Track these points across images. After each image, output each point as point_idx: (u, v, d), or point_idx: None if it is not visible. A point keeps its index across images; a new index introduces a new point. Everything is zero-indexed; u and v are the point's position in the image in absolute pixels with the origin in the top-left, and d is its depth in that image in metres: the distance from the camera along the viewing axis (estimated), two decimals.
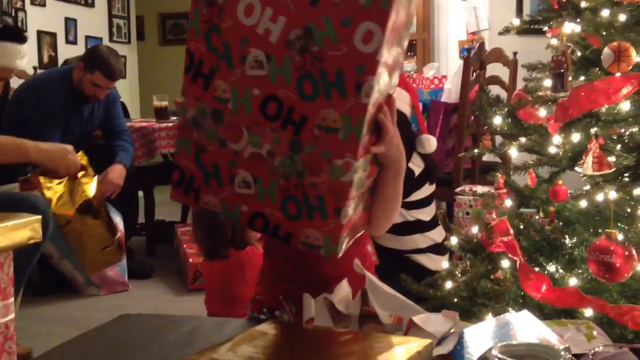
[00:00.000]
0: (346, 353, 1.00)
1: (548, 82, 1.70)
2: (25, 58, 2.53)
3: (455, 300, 1.79)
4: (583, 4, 1.66)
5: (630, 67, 1.48)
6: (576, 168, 1.60)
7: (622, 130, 1.59)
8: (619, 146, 1.57)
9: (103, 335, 1.48)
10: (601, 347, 0.92)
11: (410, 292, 1.79)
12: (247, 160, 1.13)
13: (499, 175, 1.82)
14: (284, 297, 1.32)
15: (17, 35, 2.54)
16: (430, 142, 2.44)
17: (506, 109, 1.80)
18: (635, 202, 1.53)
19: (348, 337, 1.06)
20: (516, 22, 1.76)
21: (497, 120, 1.82)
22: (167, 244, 3.86)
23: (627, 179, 1.57)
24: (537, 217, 1.76)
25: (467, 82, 3.20)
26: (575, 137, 1.60)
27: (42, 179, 2.59)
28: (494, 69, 3.67)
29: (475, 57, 3.31)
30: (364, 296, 1.24)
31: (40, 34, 4.98)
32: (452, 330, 1.08)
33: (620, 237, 1.40)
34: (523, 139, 1.78)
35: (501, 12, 4.57)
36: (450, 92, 3.47)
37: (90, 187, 2.75)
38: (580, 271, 1.55)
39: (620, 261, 1.35)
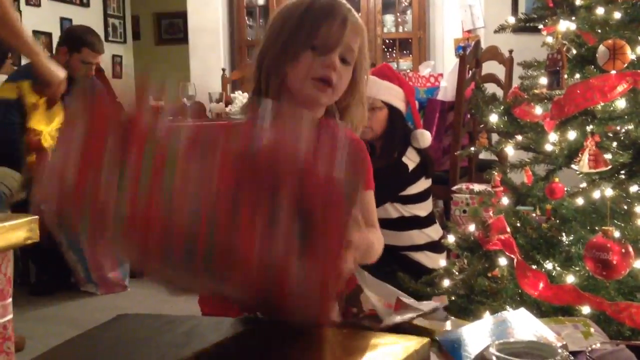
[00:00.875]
0: (344, 350, 1.00)
1: (544, 80, 1.70)
2: None
3: (453, 298, 1.80)
4: (578, 2, 1.66)
5: (626, 64, 1.48)
6: (572, 165, 1.60)
7: (618, 128, 1.59)
8: (615, 143, 1.58)
9: (100, 335, 1.47)
10: (598, 344, 0.92)
11: (408, 290, 1.79)
12: None
13: (496, 173, 1.82)
14: None
15: None
16: (424, 137, 2.45)
17: (502, 107, 1.80)
18: (632, 200, 1.53)
19: (346, 335, 1.06)
20: (512, 20, 1.76)
21: (494, 118, 1.83)
22: None
23: (623, 176, 1.57)
24: (533, 214, 1.76)
25: (463, 80, 3.21)
26: (571, 134, 1.60)
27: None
28: (490, 67, 3.68)
29: (471, 55, 3.32)
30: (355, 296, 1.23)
31: (35, 33, 4.96)
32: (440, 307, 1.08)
33: (616, 234, 1.41)
34: (519, 137, 1.78)
35: (497, 10, 4.58)
36: (447, 90, 3.47)
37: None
38: (577, 269, 1.55)
39: (617, 258, 1.36)
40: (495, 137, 3.24)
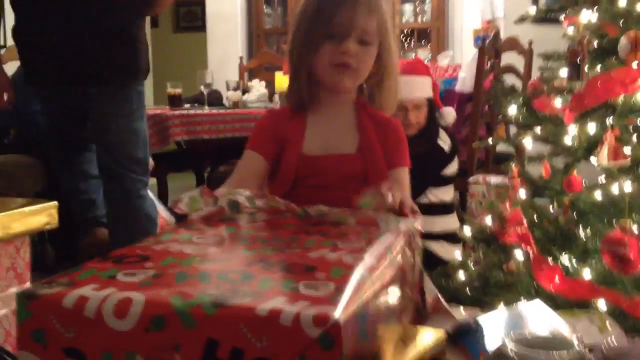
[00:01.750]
0: None
1: (564, 72, 1.69)
2: None
3: (468, 290, 1.79)
4: None
5: None
6: (591, 159, 1.59)
7: (638, 121, 1.58)
8: (635, 137, 1.56)
9: None
10: (614, 338, 0.92)
11: None
12: None
13: (514, 166, 1.81)
14: None
15: None
16: (449, 114, 2.64)
17: (521, 99, 1.79)
18: None
19: None
20: (532, 10, 1.74)
21: (512, 110, 1.81)
22: None
23: None
24: (550, 208, 1.75)
25: (481, 71, 3.18)
26: (591, 127, 1.58)
27: None
28: (509, 58, 3.65)
29: (490, 45, 3.29)
30: None
31: None
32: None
33: (634, 228, 1.39)
34: (538, 129, 1.76)
35: (517, 0, 4.54)
36: (465, 81, 3.45)
37: None
38: (594, 262, 1.54)
39: (634, 253, 1.35)
40: (513, 129, 3.22)
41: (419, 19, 5.57)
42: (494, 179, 2.67)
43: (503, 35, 3.77)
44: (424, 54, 5.53)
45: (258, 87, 4.10)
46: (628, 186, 1.50)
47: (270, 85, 4.25)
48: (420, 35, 5.58)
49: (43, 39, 2.32)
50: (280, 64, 4.40)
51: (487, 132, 3.32)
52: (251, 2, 5.80)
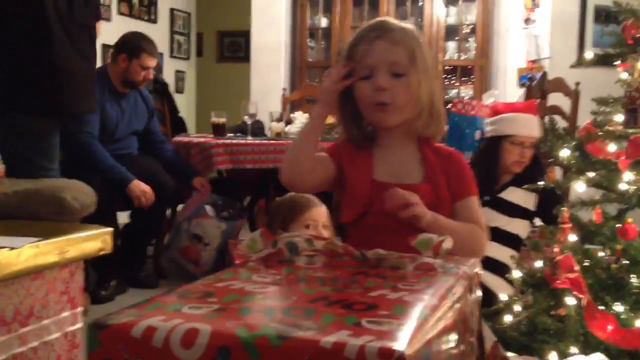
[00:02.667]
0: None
1: (619, 117, 1.67)
2: None
3: (512, 334, 1.76)
4: None
5: None
6: None
7: None
8: None
9: None
10: None
11: None
12: None
13: (564, 209, 1.78)
14: None
15: None
16: None
17: (574, 142, 1.77)
18: None
19: None
20: (589, 55, 1.73)
21: (564, 152, 1.79)
22: None
23: None
24: (602, 254, 1.72)
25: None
26: None
27: None
28: (554, 99, 3.63)
29: (538, 86, 3.28)
30: None
31: (105, 46, 5.12)
32: None
33: None
34: (591, 174, 1.74)
35: (563, 41, 4.53)
36: None
37: None
38: None
39: None
40: (559, 171, 3.18)
41: (463, 56, 5.58)
42: (539, 221, 2.64)
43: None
44: (465, 91, 5.53)
45: (301, 119, 4.14)
46: None
47: None
48: (464, 72, 5.58)
49: None
50: None
51: None
52: (295, 34, 5.88)
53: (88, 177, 2.08)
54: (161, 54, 5.82)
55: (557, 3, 4.86)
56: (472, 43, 5.54)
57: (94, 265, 3.16)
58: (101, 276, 3.27)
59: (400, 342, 0.66)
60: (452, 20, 5.55)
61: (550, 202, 2.36)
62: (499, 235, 2.48)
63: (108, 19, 5.23)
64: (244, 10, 5.99)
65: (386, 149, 1.44)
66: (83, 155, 3.24)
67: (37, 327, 1.35)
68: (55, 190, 1.71)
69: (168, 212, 3.81)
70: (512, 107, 2.75)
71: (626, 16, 1.66)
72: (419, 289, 0.89)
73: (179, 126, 4.32)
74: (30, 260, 1.29)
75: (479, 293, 1.06)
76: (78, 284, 1.43)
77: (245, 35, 6.19)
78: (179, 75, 6.48)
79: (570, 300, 1.62)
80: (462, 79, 5.58)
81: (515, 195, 2.58)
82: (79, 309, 1.42)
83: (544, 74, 3.48)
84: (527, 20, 4.99)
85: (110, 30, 5.18)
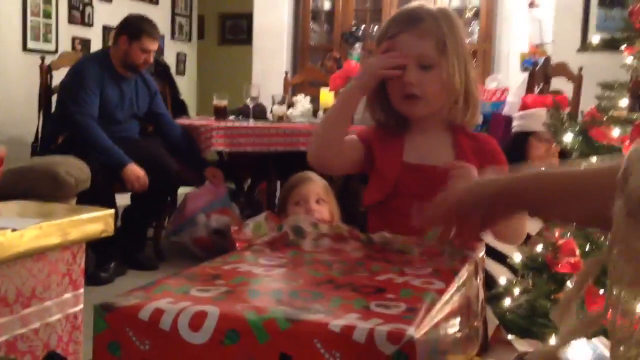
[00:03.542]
0: None
1: (624, 102, 1.66)
2: None
3: (512, 317, 1.76)
4: None
5: None
6: None
7: None
8: None
9: None
10: None
11: None
12: None
13: None
14: None
15: None
16: None
17: (578, 127, 1.76)
18: None
19: None
20: (595, 39, 1.72)
21: (568, 137, 1.79)
22: None
23: None
24: (602, 238, 1.72)
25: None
26: None
27: None
28: (558, 84, 3.61)
29: (541, 70, 3.26)
30: None
31: (105, 28, 5.10)
32: None
33: None
34: (594, 159, 1.73)
35: (566, 26, 4.49)
36: (512, 105, 3.42)
37: None
38: None
39: None
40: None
41: (466, 41, 5.54)
42: None
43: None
44: None
45: (303, 102, 4.12)
46: None
47: (315, 101, 4.27)
48: None
49: None
50: (326, 80, 4.42)
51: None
52: (298, 17, 5.85)
53: (87, 159, 2.07)
54: (162, 36, 5.77)
55: None
56: (475, 26, 5.51)
57: (93, 247, 3.16)
58: (100, 258, 3.26)
59: (409, 326, 0.66)
60: (455, 3, 5.51)
61: None
62: None
63: (109, 0, 5.19)
64: None
65: (418, 135, 1.42)
66: (80, 136, 3.23)
67: (38, 309, 1.35)
68: (49, 166, 1.71)
69: None
70: (541, 102, 2.68)
71: (634, 1, 1.65)
72: (426, 273, 0.89)
73: (180, 109, 4.31)
74: (32, 241, 1.29)
75: (483, 275, 1.07)
76: (80, 266, 1.43)
77: (248, 17, 6.15)
78: (180, 58, 6.45)
79: (571, 285, 1.62)
80: None
81: None
82: (81, 291, 1.42)
83: (547, 59, 3.45)
84: (532, 4, 4.96)
85: (111, 12, 5.16)
